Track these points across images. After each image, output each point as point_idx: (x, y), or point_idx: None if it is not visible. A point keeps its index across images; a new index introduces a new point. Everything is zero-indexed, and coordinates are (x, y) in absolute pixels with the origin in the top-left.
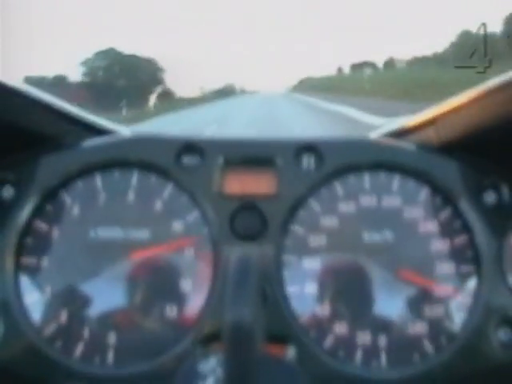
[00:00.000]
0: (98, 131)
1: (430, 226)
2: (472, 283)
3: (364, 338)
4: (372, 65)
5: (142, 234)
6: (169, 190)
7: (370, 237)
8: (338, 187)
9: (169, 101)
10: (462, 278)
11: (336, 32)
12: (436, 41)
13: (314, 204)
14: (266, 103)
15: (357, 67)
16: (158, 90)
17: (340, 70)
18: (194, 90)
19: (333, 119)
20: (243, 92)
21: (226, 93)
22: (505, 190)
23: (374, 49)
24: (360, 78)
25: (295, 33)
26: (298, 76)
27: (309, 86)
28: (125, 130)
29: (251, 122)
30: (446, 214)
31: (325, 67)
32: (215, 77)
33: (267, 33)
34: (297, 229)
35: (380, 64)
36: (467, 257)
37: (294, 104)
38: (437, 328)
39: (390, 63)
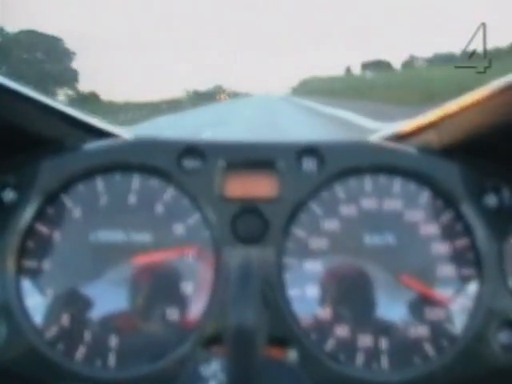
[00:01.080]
0: (100, 134)
1: (431, 229)
2: (473, 286)
3: (365, 340)
4: (386, 64)
5: (144, 237)
6: (170, 193)
7: (371, 240)
8: (339, 190)
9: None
10: (463, 280)
11: (346, 25)
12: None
13: (315, 207)
14: (260, 108)
15: (368, 67)
16: (68, 88)
17: (349, 69)
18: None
19: (335, 127)
20: (235, 95)
21: (213, 95)
22: (506, 193)
23: (390, 46)
24: (374, 79)
25: (298, 24)
26: (301, 76)
27: (312, 88)
28: (126, 133)
29: (243, 128)
30: (447, 216)
31: (331, 66)
32: (200, 77)
33: (264, 23)
34: (298, 232)
35: (397, 64)
36: (468, 259)
37: (292, 109)
38: (438, 331)
39: (409, 63)
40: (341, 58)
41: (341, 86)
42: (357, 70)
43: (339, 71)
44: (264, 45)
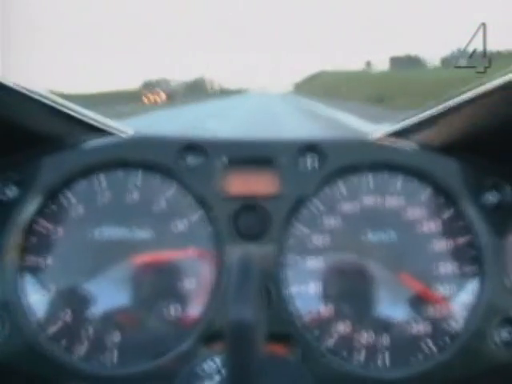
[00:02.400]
0: (101, 131)
1: (432, 226)
2: (474, 283)
3: (366, 337)
4: (417, 61)
5: (145, 233)
6: (172, 189)
7: (372, 237)
8: (341, 187)
9: None
10: (464, 277)
11: (370, 12)
12: None
13: (317, 204)
14: (254, 107)
15: (399, 62)
16: None
17: (369, 64)
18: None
19: (332, 130)
20: (223, 92)
21: (196, 91)
22: (506, 190)
23: (424, 41)
24: (401, 77)
25: (305, 9)
26: (308, 71)
27: (318, 86)
28: (128, 130)
29: (235, 127)
30: (447, 214)
31: (347, 59)
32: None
33: (264, 4)
34: (299, 228)
35: (433, 61)
36: (469, 257)
37: (290, 109)
38: (439, 328)
39: (449, 60)
40: (358, 52)
41: (351, 84)
42: (381, 65)
43: (359, 66)
44: (263, 31)
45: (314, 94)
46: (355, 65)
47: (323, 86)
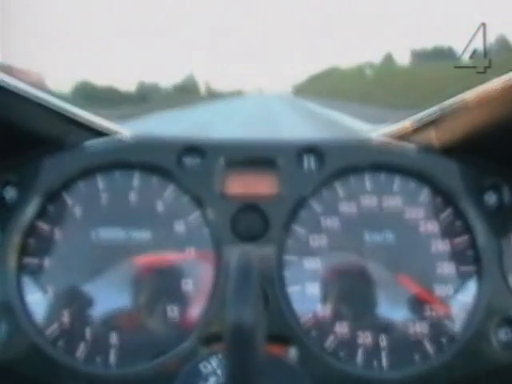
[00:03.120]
0: (101, 132)
1: (431, 227)
2: (473, 284)
3: (365, 338)
4: (450, 54)
5: (144, 235)
6: (170, 191)
7: (370, 238)
8: (339, 188)
9: None
10: (463, 278)
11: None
12: None
13: (316, 205)
14: (254, 109)
15: (419, 57)
16: None
17: (389, 57)
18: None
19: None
20: (213, 94)
21: (187, 92)
22: (505, 191)
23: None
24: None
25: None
26: (318, 66)
27: (329, 83)
28: (126, 132)
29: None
30: (446, 214)
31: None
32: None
33: None
34: (298, 229)
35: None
36: (468, 257)
37: (293, 113)
38: (438, 329)
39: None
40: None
41: (365, 84)
42: (403, 59)
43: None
44: (265, 25)
45: (321, 95)
46: (375, 60)
47: (332, 86)
